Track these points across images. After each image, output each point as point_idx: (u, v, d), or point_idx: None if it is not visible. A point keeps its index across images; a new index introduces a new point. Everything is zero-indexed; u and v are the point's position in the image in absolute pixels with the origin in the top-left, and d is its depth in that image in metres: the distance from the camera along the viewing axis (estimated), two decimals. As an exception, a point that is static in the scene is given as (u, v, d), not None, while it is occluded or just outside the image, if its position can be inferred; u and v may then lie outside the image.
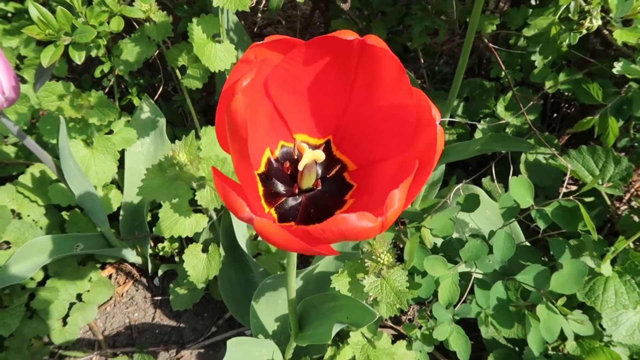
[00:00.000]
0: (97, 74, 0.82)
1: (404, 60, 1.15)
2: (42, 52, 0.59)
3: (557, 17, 0.64)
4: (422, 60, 1.04)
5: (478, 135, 0.93)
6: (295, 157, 0.39)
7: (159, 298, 0.98)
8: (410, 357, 0.73)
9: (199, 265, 0.80)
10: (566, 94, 0.99)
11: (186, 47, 0.78)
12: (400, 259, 0.54)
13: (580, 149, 0.74)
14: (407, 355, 0.73)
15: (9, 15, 0.88)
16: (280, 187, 0.38)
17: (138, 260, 0.96)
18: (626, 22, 0.64)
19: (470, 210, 0.68)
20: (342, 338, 0.77)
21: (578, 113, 1.03)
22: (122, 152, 0.87)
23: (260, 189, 0.37)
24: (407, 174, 0.29)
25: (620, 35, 0.62)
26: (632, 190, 0.87)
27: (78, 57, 0.62)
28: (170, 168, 0.63)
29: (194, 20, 0.72)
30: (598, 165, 0.73)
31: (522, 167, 0.88)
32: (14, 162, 0.90)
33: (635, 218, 0.76)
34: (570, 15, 0.61)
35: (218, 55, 0.73)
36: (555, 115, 1.05)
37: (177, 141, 0.61)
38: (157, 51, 0.91)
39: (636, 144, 0.82)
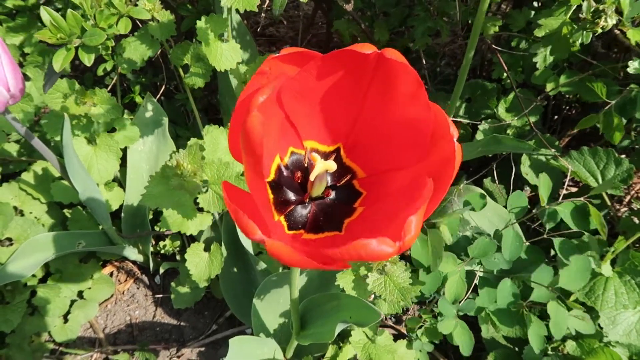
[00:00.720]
0: (100, 72, 0.82)
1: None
2: (53, 56, 0.59)
3: (568, 16, 0.64)
4: (424, 62, 1.05)
5: (479, 136, 0.93)
6: (306, 164, 0.39)
7: (160, 296, 0.98)
8: (411, 356, 0.74)
9: (201, 264, 0.80)
10: (567, 95, 0.99)
11: (189, 46, 0.78)
12: (403, 256, 0.55)
13: (581, 150, 0.75)
14: (407, 354, 0.73)
15: (13, 12, 0.88)
16: (290, 195, 0.38)
17: (139, 258, 0.96)
18: (635, 23, 0.65)
19: (478, 209, 0.68)
20: (342, 337, 0.77)
21: (579, 115, 1.03)
22: (124, 151, 0.87)
23: (270, 197, 0.37)
24: (420, 188, 0.29)
25: (633, 35, 0.62)
26: (633, 192, 0.87)
27: (88, 60, 0.63)
28: (174, 177, 0.63)
29: (203, 19, 0.72)
30: (599, 167, 0.73)
31: (523, 168, 0.88)
32: (17, 159, 0.90)
33: (636, 220, 0.76)
34: (583, 14, 0.61)
35: (224, 54, 0.73)
36: (556, 117, 1.06)
37: (180, 149, 0.61)
38: (160, 50, 0.91)
39: (637, 146, 0.82)
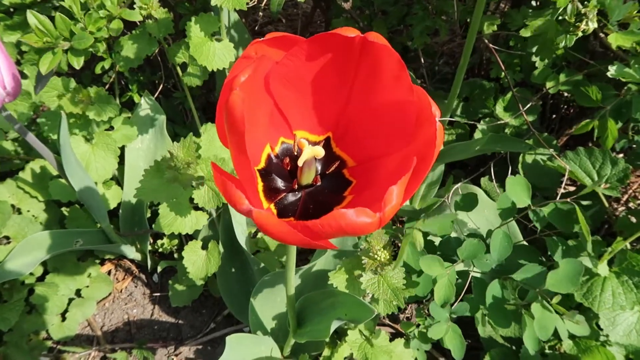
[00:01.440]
0: (98, 70, 0.82)
1: (405, 60, 1.15)
2: (40, 59, 0.60)
3: (554, 18, 0.64)
4: (422, 60, 1.05)
5: (477, 135, 0.93)
6: (295, 153, 0.39)
7: (158, 294, 0.98)
8: (408, 355, 0.74)
9: (198, 262, 0.80)
10: (565, 95, 0.99)
11: (187, 45, 0.78)
12: (397, 256, 0.55)
13: (577, 150, 0.75)
14: (404, 353, 0.73)
15: (11, 10, 0.88)
16: (280, 183, 0.39)
17: (137, 256, 0.96)
18: (623, 25, 0.64)
19: (468, 209, 0.68)
20: (339, 336, 0.77)
21: (577, 114, 1.03)
22: (122, 149, 0.87)
23: (260, 184, 0.38)
24: (407, 170, 0.29)
25: (615, 39, 0.62)
26: (630, 191, 0.87)
27: (77, 63, 0.63)
28: (168, 170, 0.63)
29: (193, 19, 0.72)
30: (595, 167, 0.73)
31: (520, 167, 0.88)
32: (14, 157, 0.90)
33: (633, 219, 0.76)
34: (567, 17, 0.61)
35: (217, 54, 0.73)
36: (554, 116, 1.06)
37: (174, 143, 0.61)
38: (158, 48, 0.91)
39: (634, 146, 0.82)
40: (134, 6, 0.70)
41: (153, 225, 0.92)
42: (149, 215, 0.94)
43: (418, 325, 0.73)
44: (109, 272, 1.00)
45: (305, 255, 1.00)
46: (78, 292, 0.92)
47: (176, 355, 0.91)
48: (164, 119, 0.90)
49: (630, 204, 0.88)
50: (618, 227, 0.76)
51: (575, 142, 1.01)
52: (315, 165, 0.38)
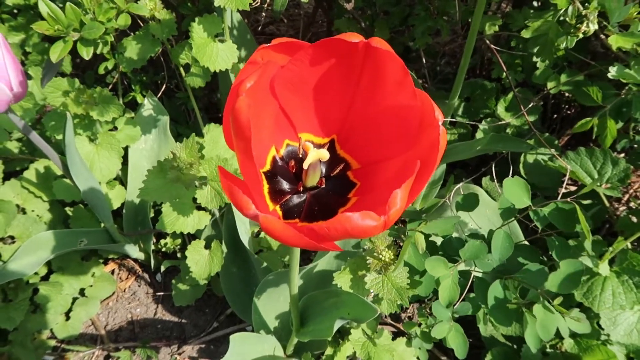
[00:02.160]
0: (101, 70, 0.82)
1: (406, 60, 1.16)
2: (51, 48, 0.60)
3: (555, 20, 0.64)
4: (424, 60, 1.05)
5: (479, 135, 0.93)
6: (300, 155, 0.40)
7: (161, 294, 0.99)
8: (410, 354, 0.74)
9: (202, 262, 0.81)
10: (566, 95, 1.00)
11: (190, 45, 0.79)
12: (399, 256, 0.55)
13: (578, 150, 0.75)
14: (407, 352, 0.74)
15: (15, 11, 0.88)
16: (285, 185, 0.39)
17: (140, 256, 0.97)
18: (624, 27, 0.65)
19: (469, 209, 0.69)
20: (342, 335, 0.78)
21: (578, 114, 1.04)
22: (125, 149, 0.87)
23: (266, 186, 0.38)
24: (410, 173, 0.30)
25: (615, 41, 0.62)
26: (631, 191, 0.88)
27: (86, 53, 0.63)
28: (171, 170, 0.64)
29: (197, 19, 0.73)
30: (596, 167, 0.73)
31: (521, 167, 0.89)
32: (19, 157, 0.91)
33: (634, 219, 0.76)
34: (567, 19, 0.61)
35: (220, 54, 0.74)
36: (555, 116, 1.06)
37: (177, 143, 0.62)
38: (161, 49, 0.92)
39: (635, 145, 0.82)
40: (139, 1, 0.71)
41: (156, 225, 0.92)
42: (152, 215, 0.94)
43: (420, 325, 0.74)
44: (113, 272, 1.01)
45: (307, 255, 1.00)
46: (82, 292, 0.93)
47: (179, 354, 0.92)
48: (167, 119, 0.90)
49: (631, 204, 0.88)
50: (619, 227, 0.76)
51: (577, 142, 1.01)
52: (320, 168, 0.39)
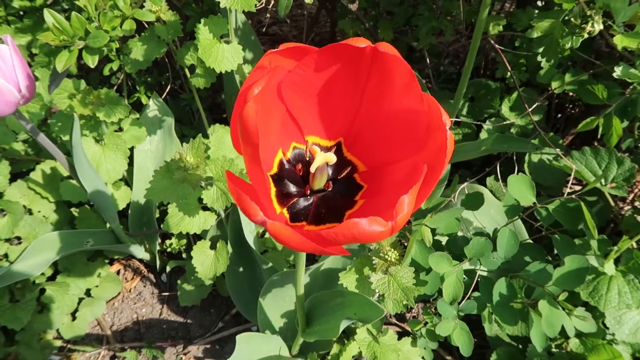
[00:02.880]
0: (106, 72, 0.83)
1: (410, 60, 1.16)
2: (56, 57, 0.61)
3: (560, 20, 0.64)
4: (427, 61, 1.05)
5: (483, 135, 0.93)
6: (307, 158, 0.40)
7: (167, 294, 0.99)
8: (415, 354, 0.74)
9: (207, 262, 0.81)
10: (571, 94, 0.99)
11: (195, 47, 0.79)
12: (404, 255, 0.55)
13: (583, 150, 0.75)
14: (412, 351, 0.74)
15: (21, 13, 0.89)
16: (292, 188, 0.39)
17: (146, 256, 0.97)
18: (629, 26, 0.65)
19: (474, 208, 0.69)
20: (347, 335, 0.78)
21: (582, 114, 1.03)
22: (131, 150, 0.88)
23: (273, 189, 0.38)
24: (417, 176, 0.30)
25: (620, 40, 0.62)
26: (636, 190, 0.88)
27: (92, 61, 0.64)
28: (177, 170, 0.64)
29: (202, 20, 0.73)
30: (601, 166, 0.73)
31: (526, 167, 0.89)
32: (25, 158, 0.91)
33: (639, 218, 0.76)
34: (572, 19, 0.61)
35: (225, 55, 0.74)
36: (559, 115, 1.06)
37: (184, 144, 0.62)
38: (166, 50, 0.92)
39: (640, 145, 0.82)
40: (144, 6, 0.71)
41: (162, 226, 0.93)
42: (157, 215, 0.95)
43: (426, 324, 0.74)
44: (118, 272, 1.01)
45: (313, 254, 1.00)
46: (88, 292, 0.93)
47: (185, 354, 0.92)
48: (172, 120, 0.91)
49: (636, 203, 0.88)
50: (624, 226, 0.76)
51: (582, 142, 1.01)
52: (327, 171, 0.39)
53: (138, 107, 0.99)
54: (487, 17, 0.72)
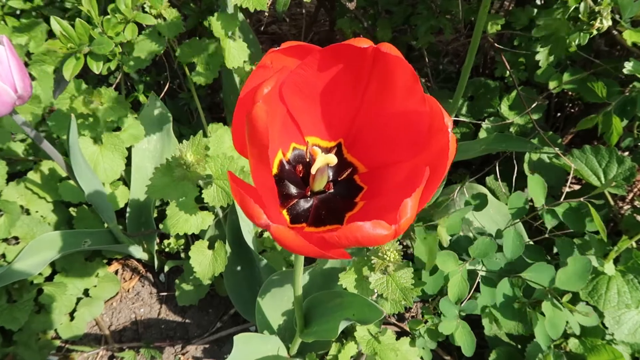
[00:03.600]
0: (104, 71, 0.82)
1: (409, 59, 1.16)
2: (64, 65, 0.61)
3: (566, 17, 0.64)
4: (426, 59, 1.05)
5: (482, 134, 0.93)
6: (307, 159, 0.39)
7: (165, 294, 0.99)
8: (414, 354, 0.74)
9: (205, 262, 0.81)
10: (570, 93, 0.99)
11: (198, 44, 0.79)
12: (406, 256, 0.55)
13: (583, 148, 0.75)
14: (410, 351, 0.74)
15: (17, 12, 0.88)
16: (292, 189, 0.39)
17: (144, 256, 0.97)
18: (634, 23, 0.64)
19: (479, 209, 0.69)
20: (346, 334, 0.78)
21: (582, 112, 1.03)
22: (128, 149, 0.87)
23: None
24: (419, 178, 0.29)
25: (630, 36, 0.62)
26: (636, 190, 0.88)
27: (96, 67, 0.64)
28: (177, 168, 0.64)
29: (215, 15, 0.73)
30: (601, 165, 0.73)
31: (526, 166, 0.88)
32: (22, 158, 0.91)
33: (639, 218, 0.76)
34: (580, 16, 0.61)
35: (232, 52, 0.74)
36: (559, 114, 1.06)
37: (184, 141, 0.62)
38: (165, 48, 0.92)
39: (640, 144, 0.82)
40: (144, 7, 0.71)
41: (160, 225, 0.93)
42: (155, 215, 0.94)
43: (426, 322, 0.74)
44: (117, 272, 1.01)
45: (311, 255, 1.00)
46: (86, 292, 0.93)
47: (183, 354, 0.92)
48: (170, 119, 0.91)
49: (636, 203, 0.88)
50: (624, 226, 0.76)
51: (581, 141, 1.01)
52: (327, 172, 0.38)
53: (136, 106, 0.99)
54: (485, 17, 0.72)
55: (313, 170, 0.36)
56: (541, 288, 0.62)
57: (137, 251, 0.94)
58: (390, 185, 0.37)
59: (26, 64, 0.89)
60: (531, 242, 0.75)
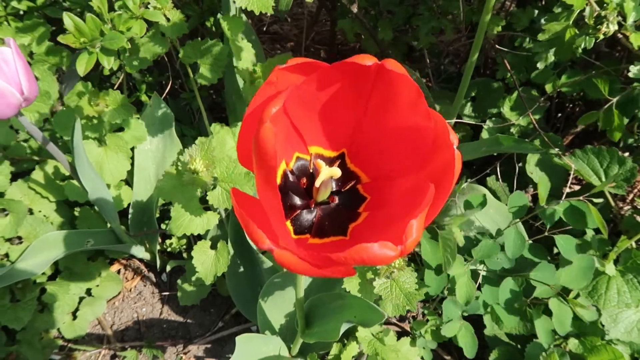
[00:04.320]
0: (107, 71, 0.83)
1: (410, 60, 1.16)
2: (77, 60, 0.61)
3: (571, 21, 0.64)
4: (427, 60, 1.05)
5: (484, 135, 0.94)
6: (311, 170, 0.40)
7: (167, 293, 0.99)
8: (414, 354, 0.75)
9: (208, 262, 0.81)
10: (571, 93, 1.00)
11: (201, 44, 0.79)
12: (411, 260, 0.56)
13: (585, 148, 0.75)
14: (411, 351, 0.74)
15: (21, 13, 0.89)
16: (296, 200, 0.39)
17: (146, 256, 0.97)
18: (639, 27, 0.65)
19: (477, 209, 0.69)
20: (347, 334, 0.78)
21: (582, 113, 1.04)
22: (131, 150, 0.88)
23: None
24: (423, 193, 0.30)
25: (636, 39, 0.63)
26: (636, 190, 0.88)
27: (107, 62, 0.64)
28: (186, 173, 0.65)
29: (223, 16, 0.73)
30: (603, 166, 0.74)
31: (528, 167, 0.89)
32: (26, 158, 0.91)
33: (638, 218, 0.77)
34: (586, 20, 0.62)
35: (243, 54, 0.75)
36: (559, 114, 1.06)
37: (193, 145, 0.62)
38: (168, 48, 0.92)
39: (640, 145, 0.83)
40: (149, 6, 0.71)
41: (162, 226, 0.93)
42: (158, 215, 0.95)
43: (427, 322, 0.74)
44: (119, 272, 1.01)
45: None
46: (89, 292, 0.93)
47: (185, 353, 0.92)
48: (172, 120, 0.91)
49: (636, 203, 0.89)
50: (624, 226, 0.77)
51: (582, 142, 1.02)
52: (331, 184, 0.38)
53: (138, 106, 0.99)
54: (488, 19, 0.72)
55: (317, 183, 0.37)
56: (546, 287, 0.62)
57: (140, 251, 0.95)
58: (394, 197, 0.37)
59: (29, 64, 0.89)
60: (530, 242, 0.76)
